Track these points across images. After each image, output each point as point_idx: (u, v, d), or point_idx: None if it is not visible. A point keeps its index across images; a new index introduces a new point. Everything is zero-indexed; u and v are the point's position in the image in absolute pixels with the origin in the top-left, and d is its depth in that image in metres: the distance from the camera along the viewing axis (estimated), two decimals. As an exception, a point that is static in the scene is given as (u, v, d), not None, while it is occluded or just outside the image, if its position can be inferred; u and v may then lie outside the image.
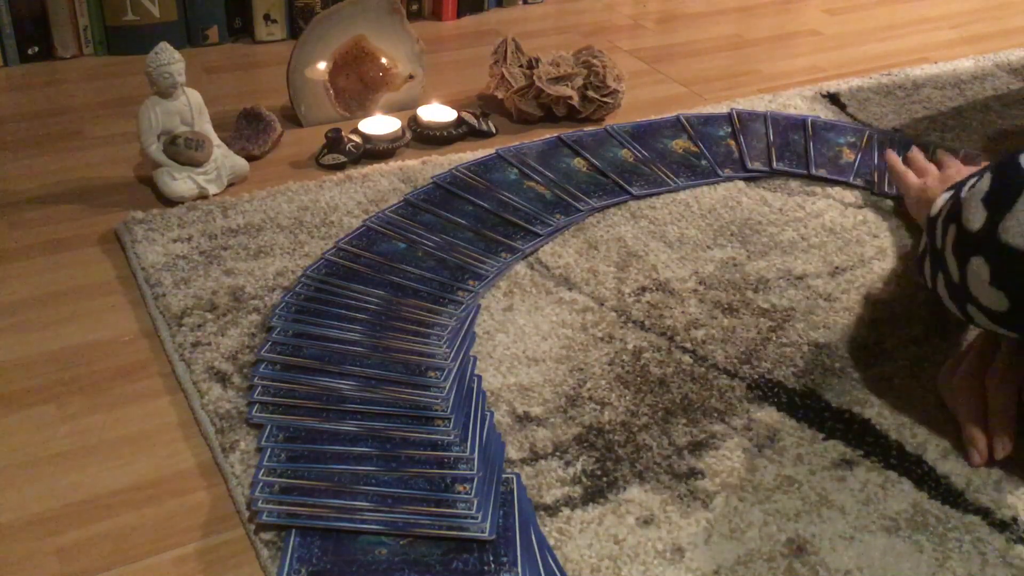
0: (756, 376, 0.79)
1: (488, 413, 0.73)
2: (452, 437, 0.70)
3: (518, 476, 0.68)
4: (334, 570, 0.61)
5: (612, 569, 0.63)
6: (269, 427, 0.71)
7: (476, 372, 0.78)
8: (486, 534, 0.63)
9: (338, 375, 0.75)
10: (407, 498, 0.65)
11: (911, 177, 0.99)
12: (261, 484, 0.66)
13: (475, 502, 0.65)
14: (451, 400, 0.73)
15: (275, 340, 0.79)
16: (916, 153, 1.06)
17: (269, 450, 0.69)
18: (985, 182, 0.68)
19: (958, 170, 0.97)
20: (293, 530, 0.63)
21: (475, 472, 0.67)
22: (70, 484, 0.68)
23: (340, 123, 1.12)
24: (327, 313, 0.82)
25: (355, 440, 0.70)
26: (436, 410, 0.73)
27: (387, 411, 0.73)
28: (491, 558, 0.62)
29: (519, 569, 0.61)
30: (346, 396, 0.74)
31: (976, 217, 0.66)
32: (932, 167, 1.01)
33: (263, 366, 0.76)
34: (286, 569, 0.61)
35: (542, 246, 0.94)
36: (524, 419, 0.74)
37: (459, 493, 0.66)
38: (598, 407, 0.75)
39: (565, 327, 0.84)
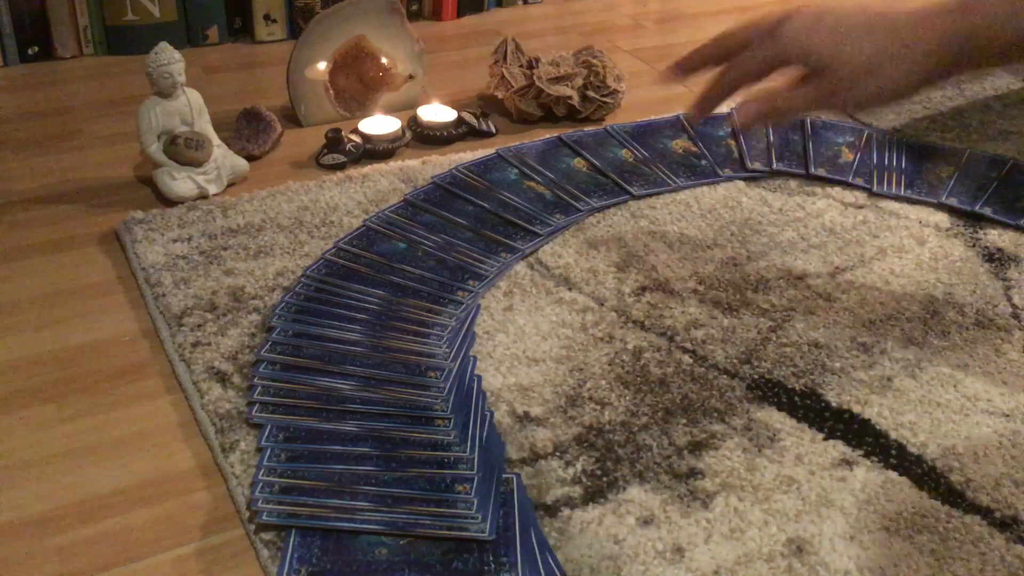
0: (756, 376, 0.79)
1: (488, 413, 0.73)
2: (452, 437, 0.70)
3: (518, 476, 0.68)
4: (334, 570, 0.61)
5: (612, 569, 0.63)
6: (269, 427, 0.71)
7: (476, 372, 0.78)
8: (486, 534, 0.63)
9: (338, 375, 0.75)
10: (407, 498, 0.65)
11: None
12: (261, 484, 0.66)
13: (475, 502, 0.65)
14: (451, 400, 0.73)
15: (275, 340, 0.79)
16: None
17: (269, 450, 0.69)
18: None
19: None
20: (293, 530, 0.63)
21: (475, 472, 0.67)
22: (70, 484, 0.68)
23: (340, 123, 1.12)
24: (327, 313, 0.82)
25: (355, 440, 0.70)
26: (436, 410, 0.73)
27: (387, 411, 0.73)
28: (491, 558, 0.62)
29: (519, 569, 0.61)
30: (346, 396, 0.74)
31: None
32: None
33: (263, 366, 0.76)
34: (286, 569, 0.61)
35: (542, 246, 0.94)
36: (524, 419, 0.74)
37: (459, 493, 0.66)
38: (598, 407, 0.75)
39: (565, 327, 0.84)
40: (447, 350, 0.78)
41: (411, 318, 0.82)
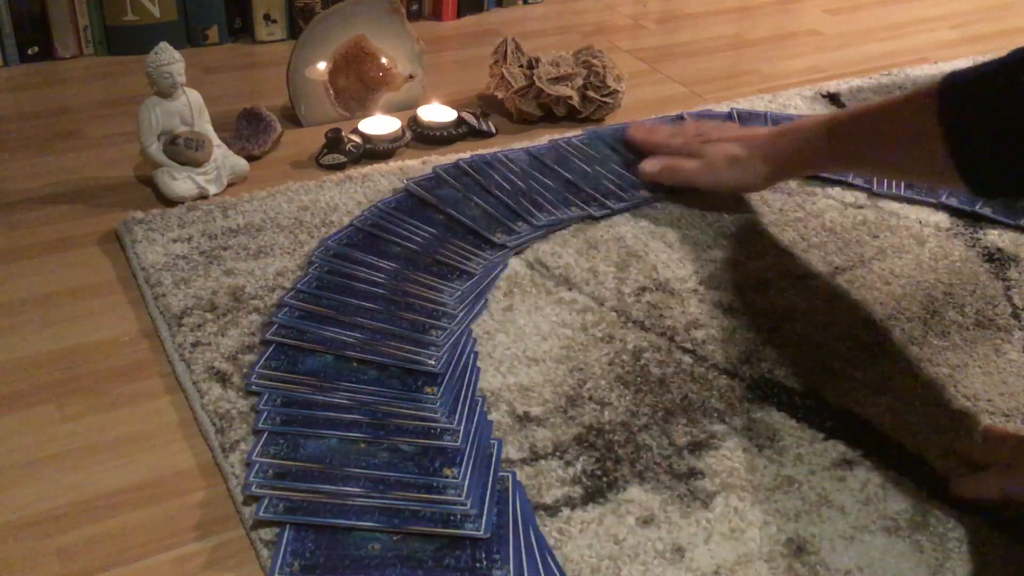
0: (756, 376, 0.79)
1: (480, 398, 0.74)
2: (438, 404, 0.72)
3: (514, 473, 0.68)
4: (327, 564, 0.61)
5: (612, 569, 0.63)
6: (265, 413, 0.71)
7: (476, 361, 0.78)
8: (481, 532, 0.63)
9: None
10: (398, 482, 0.66)
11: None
12: (256, 466, 0.67)
13: (465, 488, 0.66)
14: (446, 370, 0.74)
15: (275, 330, 0.79)
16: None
17: (265, 413, 0.71)
18: None
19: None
20: (287, 524, 0.63)
21: (459, 444, 0.69)
22: (70, 484, 0.68)
23: (340, 123, 1.12)
24: (341, 287, 0.82)
25: (349, 415, 0.72)
26: (427, 392, 0.73)
27: (380, 389, 0.74)
28: (483, 555, 0.62)
29: (511, 567, 0.61)
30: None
31: None
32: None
33: (271, 347, 0.76)
34: (279, 563, 0.61)
35: (549, 231, 0.94)
36: (524, 419, 0.74)
37: (447, 478, 0.66)
38: (598, 407, 0.75)
39: (565, 327, 0.84)
40: (452, 312, 0.78)
41: (423, 290, 0.82)
